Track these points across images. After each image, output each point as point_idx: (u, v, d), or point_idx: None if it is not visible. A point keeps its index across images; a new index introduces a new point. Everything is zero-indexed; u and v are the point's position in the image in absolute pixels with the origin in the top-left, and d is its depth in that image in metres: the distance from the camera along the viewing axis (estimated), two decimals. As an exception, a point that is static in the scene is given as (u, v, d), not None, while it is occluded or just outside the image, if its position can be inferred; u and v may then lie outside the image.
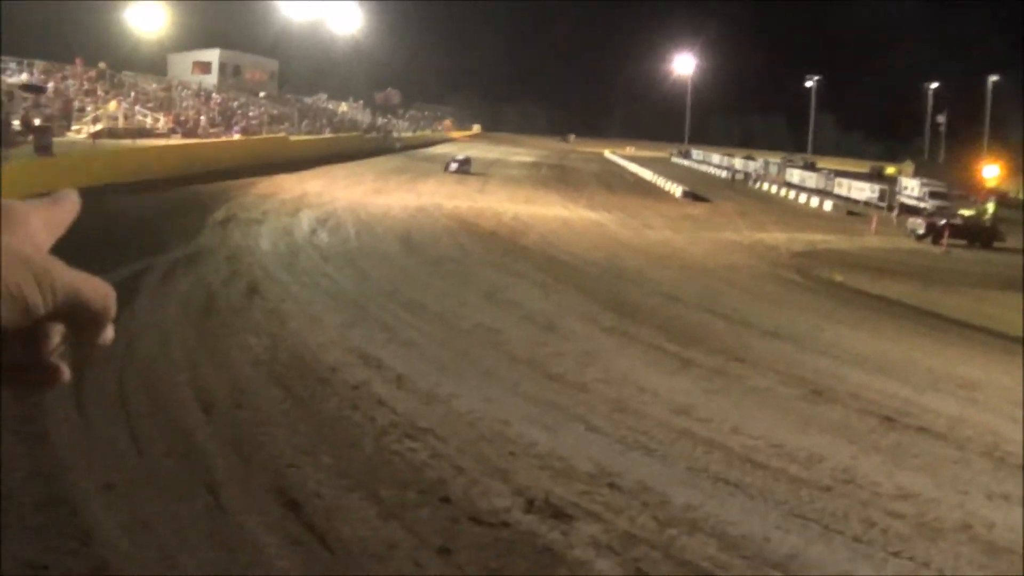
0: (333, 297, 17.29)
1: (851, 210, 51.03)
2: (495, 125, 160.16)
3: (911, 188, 55.17)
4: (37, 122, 36.02)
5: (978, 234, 38.89)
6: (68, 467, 8.75)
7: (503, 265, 22.94)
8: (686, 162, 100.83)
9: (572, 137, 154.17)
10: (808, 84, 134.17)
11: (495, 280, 20.56)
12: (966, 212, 42.53)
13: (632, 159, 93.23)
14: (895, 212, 48.25)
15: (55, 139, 33.21)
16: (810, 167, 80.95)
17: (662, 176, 63.79)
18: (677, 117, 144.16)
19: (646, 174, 69.37)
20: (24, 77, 45.15)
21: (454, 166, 54.14)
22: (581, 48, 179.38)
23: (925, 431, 11.96)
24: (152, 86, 60.03)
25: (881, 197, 54.34)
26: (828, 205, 52.41)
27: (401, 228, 27.86)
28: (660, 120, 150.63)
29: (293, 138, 58.05)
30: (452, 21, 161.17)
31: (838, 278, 25.77)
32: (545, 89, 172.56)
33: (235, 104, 66.97)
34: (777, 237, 35.31)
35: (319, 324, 14.91)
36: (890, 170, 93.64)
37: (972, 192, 59.62)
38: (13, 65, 46.23)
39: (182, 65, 77.03)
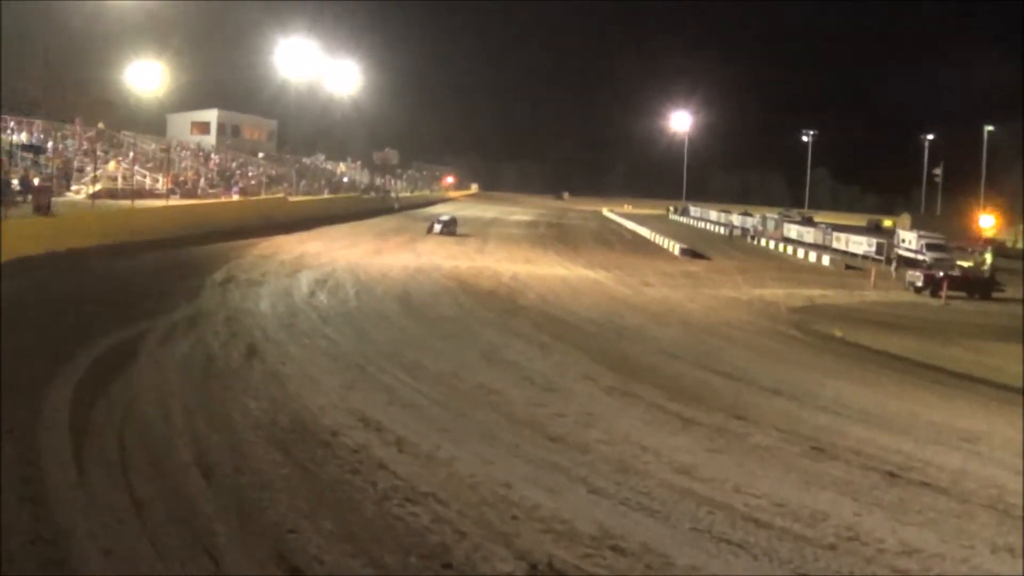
0: (333, 359, 17.32)
1: (849, 264, 51.25)
2: (493, 184, 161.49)
3: (908, 240, 55.40)
4: (36, 182, 36.34)
5: (977, 285, 38.93)
6: (68, 531, 8.74)
7: (502, 325, 22.99)
8: (684, 219, 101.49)
9: (566, 195, 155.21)
10: (804, 139, 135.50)
11: (494, 340, 20.60)
12: (964, 263, 42.66)
13: (630, 216, 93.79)
14: (893, 265, 48.41)
15: (54, 199, 33.43)
16: (807, 222, 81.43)
17: (660, 233, 64.14)
18: (674, 174, 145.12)
19: (644, 231, 69.74)
20: (24, 137, 45.55)
21: (438, 227, 51.79)
22: (578, 107, 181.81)
23: (928, 485, 11.95)
24: (151, 146, 60.53)
25: (879, 250, 54.59)
26: (826, 259, 52.64)
27: (400, 288, 27.97)
28: (658, 177, 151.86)
29: (292, 198, 58.51)
30: (449, 81, 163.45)
31: (838, 333, 25.79)
32: (542, 148, 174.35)
33: (234, 164, 67.54)
34: (776, 293, 35.42)
35: (319, 386, 14.93)
36: (887, 222, 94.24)
37: (969, 242, 59.96)
38: (13, 124, 46.64)
39: (181, 125, 77.88)
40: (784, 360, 21.35)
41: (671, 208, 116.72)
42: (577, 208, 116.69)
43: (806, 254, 56.46)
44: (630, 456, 12.32)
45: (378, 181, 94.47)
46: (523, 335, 21.60)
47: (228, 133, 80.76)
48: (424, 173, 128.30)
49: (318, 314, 22.32)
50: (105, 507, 9.33)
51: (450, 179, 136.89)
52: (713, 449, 12.99)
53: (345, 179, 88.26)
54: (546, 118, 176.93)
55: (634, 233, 71.75)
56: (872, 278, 42.01)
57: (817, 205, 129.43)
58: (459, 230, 54.46)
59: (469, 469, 11.24)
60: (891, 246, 54.80)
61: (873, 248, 55.56)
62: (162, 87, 69.29)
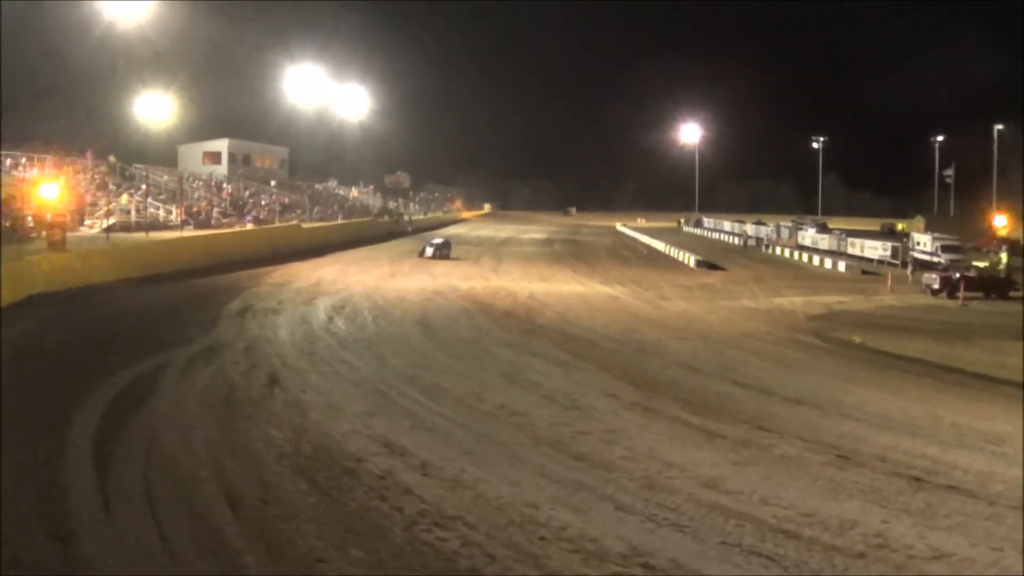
0: (354, 385, 17.36)
1: (865, 269, 51.03)
2: (506, 203, 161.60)
3: (923, 243, 55.16)
4: (49, 217, 36.55)
5: (993, 285, 38.73)
6: (96, 568, 8.80)
7: (521, 345, 23.00)
8: (698, 230, 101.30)
9: (573, 210, 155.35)
10: (814, 145, 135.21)
11: (514, 360, 20.61)
12: (980, 264, 42.42)
13: (643, 230, 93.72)
14: (909, 269, 48.14)
15: (68, 234, 33.63)
16: (822, 228, 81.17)
17: (675, 246, 64.07)
18: (687, 186, 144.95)
19: (659, 245, 69.69)
20: (35, 173, 45.94)
21: (430, 251, 48.72)
22: (588, 122, 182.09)
23: (955, 489, 11.91)
24: (163, 178, 61.00)
25: (894, 255, 54.33)
26: (842, 266, 52.42)
27: (418, 312, 28.02)
28: (669, 190, 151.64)
29: (305, 225, 58.69)
30: (458, 102, 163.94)
31: (857, 339, 25.71)
32: (554, 165, 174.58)
33: (246, 193, 67.93)
34: (794, 301, 35.32)
35: (341, 413, 14.96)
36: (901, 226, 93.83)
37: (984, 243, 59.60)
38: (24, 160, 47.05)
39: (192, 156, 78.45)
40: (805, 369, 21.30)
41: (683, 220, 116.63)
42: (590, 224, 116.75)
43: (821, 261, 56.23)
44: (655, 472, 12.30)
45: (391, 204, 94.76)
46: (543, 354, 21.60)
47: (240, 162, 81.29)
48: (436, 195, 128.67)
49: (337, 340, 22.38)
50: (132, 541, 9.38)
51: (457, 202, 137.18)
52: (738, 461, 12.96)
53: (358, 204, 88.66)
54: (556, 136, 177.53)
55: (649, 247, 71.70)
56: (889, 282, 41.86)
57: (830, 211, 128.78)
58: (465, 251, 54.51)
59: (495, 491, 11.24)
60: (906, 249, 54.57)
61: (888, 252, 55.32)
62: (172, 118, 69.76)
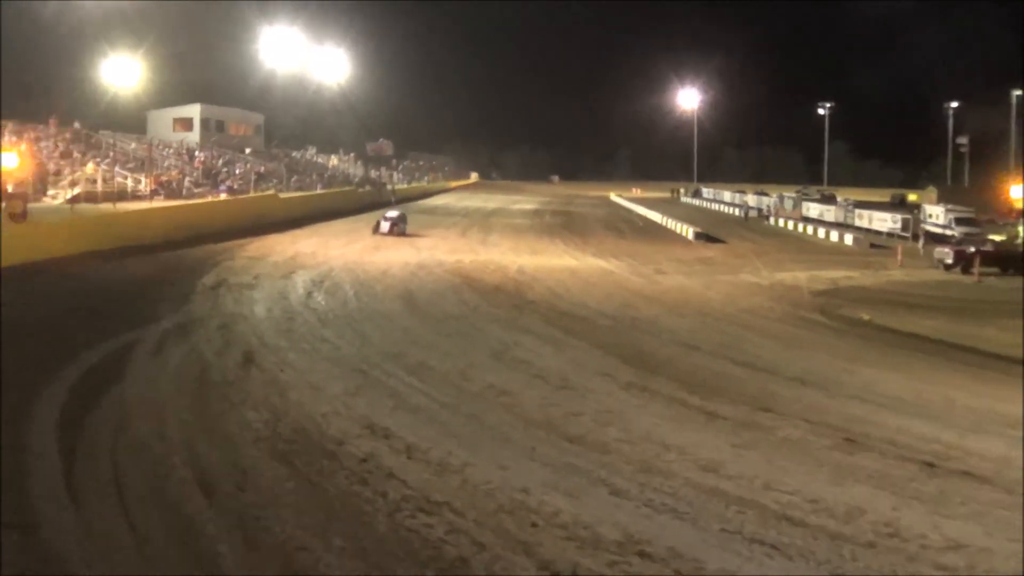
0: (334, 363, 17.32)
1: (874, 243, 51.15)
2: (494, 172, 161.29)
3: (936, 215, 55.29)
4: (10, 188, 36.27)
5: (1011, 260, 38.30)
6: (63, 560, 8.73)
7: (511, 321, 22.99)
8: (696, 201, 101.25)
9: (556, 178, 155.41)
10: (820, 111, 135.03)
11: (503, 337, 20.59)
12: (996, 237, 42.37)
13: (639, 201, 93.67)
14: (921, 242, 48.24)
15: (30, 205, 33.36)
16: (829, 199, 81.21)
17: (672, 218, 64.05)
18: (685, 154, 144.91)
19: (655, 216, 69.68)
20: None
21: (386, 226, 45.77)
22: (581, 88, 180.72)
23: (970, 475, 11.90)
24: (131, 146, 60.56)
25: (905, 227, 54.45)
26: (849, 239, 52.52)
27: (402, 286, 27.98)
28: (666, 159, 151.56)
29: (283, 195, 58.44)
30: (444, 66, 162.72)
31: (865, 317, 25.76)
32: (545, 133, 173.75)
33: (220, 162, 67.57)
34: (797, 276, 35.37)
35: (321, 393, 14.93)
36: (912, 197, 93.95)
37: (1000, 215, 59.74)
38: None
39: (162, 122, 77.76)
40: (809, 347, 21.34)
41: (682, 190, 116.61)
42: (583, 194, 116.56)
43: (827, 234, 56.31)
44: (652, 455, 12.30)
45: (373, 174, 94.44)
46: (533, 331, 21.59)
47: (212, 129, 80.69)
48: (421, 163, 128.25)
49: (316, 317, 22.34)
50: (100, 533, 9.31)
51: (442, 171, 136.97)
52: (739, 444, 12.97)
53: (339, 173, 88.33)
54: (547, 102, 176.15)
55: (645, 218, 71.68)
56: (899, 257, 41.96)
57: (837, 181, 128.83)
58: (452, 223, 54.20)
59: (484, 475, 11.23)
60: (917, 222, 54.68)
61: (898, 225, 55.45)
62: (140, 82, 69.05)
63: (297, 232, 44.40)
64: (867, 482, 11.52)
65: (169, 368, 16.34)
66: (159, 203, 45.12)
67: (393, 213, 48.08)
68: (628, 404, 15.09)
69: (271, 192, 58.73)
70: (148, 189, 48.68)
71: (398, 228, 45.79)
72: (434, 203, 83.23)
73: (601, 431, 13.35)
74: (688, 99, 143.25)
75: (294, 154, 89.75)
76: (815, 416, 14.52)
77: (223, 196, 53.92)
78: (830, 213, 65.35)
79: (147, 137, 67.42)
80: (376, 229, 45.82)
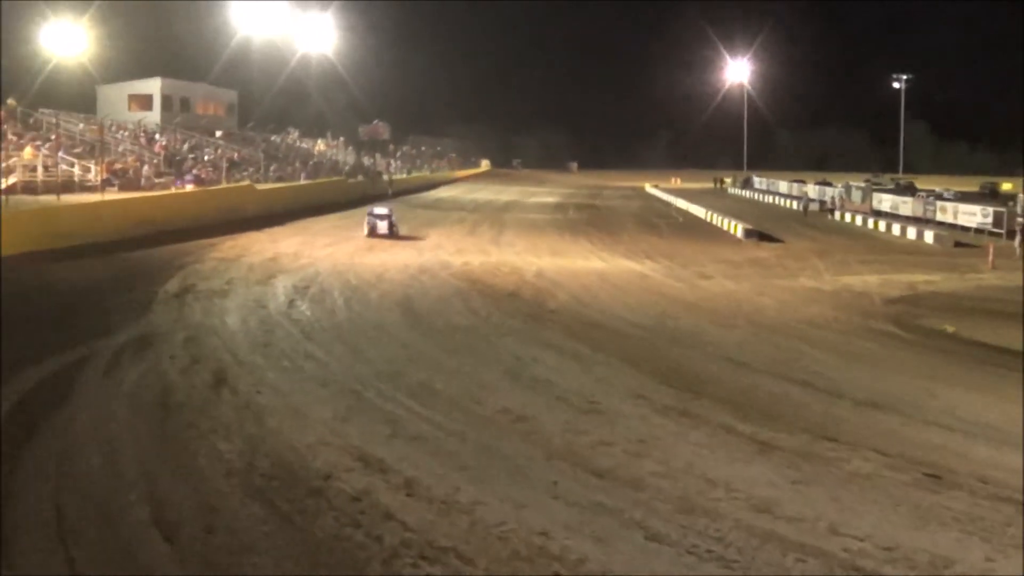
0: (321, 384, 17.31)
1: (959, 240, 50.93)
2: (509, 159, 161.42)
3: (1035, 208, 55.02)
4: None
5: None
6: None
7: (528, 334, 22.97)
8: (746, 193, 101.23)
9: (574, 166, 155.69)
10: (895, 85, 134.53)
11: (520, 353, 20.57)
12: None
13: (679, 192, 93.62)
14: (1017, 239, 47.92)
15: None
16: (905, 190, 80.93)
17: (718, 212, 63.97)
18: (733, 138, 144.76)
19: (698, 210, 69.62)
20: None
21: (384, 226, 44.63)
22: (610, 61, 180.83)
23: (1076, 519, 11.80)
24: (79, 127, 60.67)
25: (997, 222, 54.15)
26: (929, 236, 52.32)
27: (400, 293, 28.01)
28: (711, 144, 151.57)
29: (260, 186, 58.58)
30: (450, 36, 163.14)
31: (949, 329, 25.64)
32: (568, 113, 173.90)
33: (185, 147, 67.83)
34: (867, 281, 35.25)
35: (305, 420, 14.91)
36: (1006, 186, 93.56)
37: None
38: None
39: (115, 100, 77.70)
40: (882, 364, 21.23)
41: (728, 180, 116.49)
42: (613, 184, 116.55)
43: (903, 230, 56.15)
44: (695, 492, 12.24)
45: (366, 161, 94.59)
46: (555, 346, 21.57)
47: (176, 108, 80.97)
48: (423, 149, 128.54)
49: (300, 329, 22.35)
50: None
51: (453, 154, 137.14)
52: (799, 480, 12.90)
53: (326, 160, 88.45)
54: (570, 76, 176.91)
55: (685, 213, 71.65)
56: (990, 257, 41.72)
57: (914, 168, 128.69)
58: (459, 219, 53.98)
59: (497, 516, 11.19)
60: (1013, 216, 54.35)
61: (989, 219, 55.15)
62: (89, 52, 68.95)
63: (277, 229, 44.49)
64: (953, 526, 11.42)
65: (125, 390, 16.33)
66: (113, 195, 45.15)
67: (382, 209, 46.81)
68: (666, 431, 15.02)
69: (246, 183, 58.91)
70: (99, 179, 48.67)
71: (394, 230, 44.88)
72: (438, 195, 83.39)
73: (635, 463, 13.30)
74: (737, 72, 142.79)
75: (273, 138, 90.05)
76: (890, 446, 14.42)
77: (189, 187, 54.02)
78: (906, 206, 65.14)
79: (98, 117, 67.53)
80: (372, 231, 44.36)
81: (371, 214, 45.61)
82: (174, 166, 60.16)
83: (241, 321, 22.96)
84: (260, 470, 12.56)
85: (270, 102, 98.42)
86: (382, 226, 44.52)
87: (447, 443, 13.99)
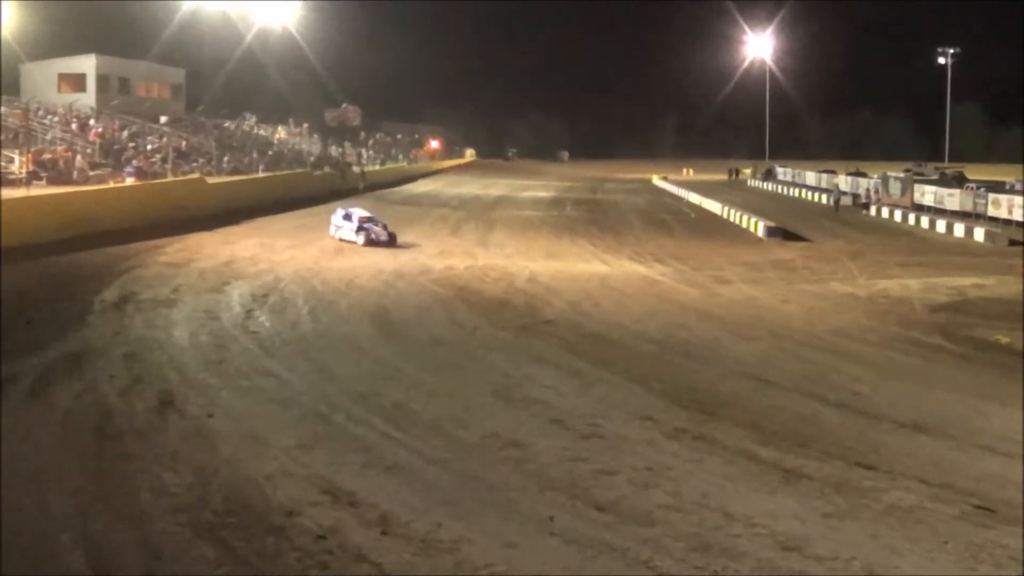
0: (283, 406, 17.30)
1: (1015, 239, 50.92)
2: (498, 148, 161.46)
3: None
4: None
5: None
6: None
7: (520, 348, 22.99)
8: (768, 185, 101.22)
9: (565, 155, 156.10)
10: (941, 61, 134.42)
11: (510, 370, 20.60)
12: None
13: (691, 185, 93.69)
14: (1082, 238, 48.04)
15: None
16: (953, 180, 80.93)
17: (736, 207, 63.99)
18: (752, 123, 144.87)
19: (712, 205, 69.66)
20: None
21: (380, 232, 42.55)
22: (614, 37, 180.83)
23: None
24: (-1, 110, 60.47)
25: (1059, 217, 54.19)
26: (980, 233, 52.33)
27: (374, 302, 28.02)
28: (728, 129, 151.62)
29: (212, 180, 58.42)
30: (431, 9, 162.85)
31: (1003, 339, 25.67)
32: (565, 97, 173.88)
33: (125, 134, 67.61)
34: (908, 285, 35.29)
35: (265, 447, 14.90)
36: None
37: None
38: None
39: (43, 79, 76.74)
40: (926, 381, 21.25)
41: (748, 171, 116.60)
42: (616, 176, 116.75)
43: (949, 227, 56.14)
44: (711, 527, 12.26)
45: (334, 151, 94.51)
46: (550, 361, 21.59)
47: (114, 89, 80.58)
48: (399, 137, 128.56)
49: (258, 343, 22.35)
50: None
51: (435, 144, 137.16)
52: (830, 514, 12.92)
53: (288, 150, 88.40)
54: (566, 55, 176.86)
55: (699, 208, 71.71)
56: (1049, 257, 41.76)
57: (962, 156, 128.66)
58: (441, 216, 53.74)
59: (484, 556, 11.20)
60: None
61: (1051, 214, 55.18)
62: (11, 25, 68.56)
63: (232, 230, 44.43)
64: (1009, 566, 11.46)
65: (55, 415, 16.29)
66: (40, 190, 44.98)
67: (362, 212, 44.68)
68: (678, 458, 15.05)
69: (196, 176, 58.77)
70: (24, 171, 48.49)
71: (380, 237, 42.14)
72: (417, 190, 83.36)
73: (642, 495, 13.33)
74: (758, 47, 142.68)
75: (227, 124, 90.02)
76: (935, 475, 14.46)
77: (130, 181, 53.82)
78: (953, 199, 65.03)
79: (22, 100, 67.17)
80: (370, 240, 41.83)
81: (364, 220, 43.05)
82: (112, 156, 60.01)
83: (190, 335, 22.93)
84: (212, 506, 12.54)
85: (223, 83, 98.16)
86: (378, 232, 42.41)
87: (427, 473, 14.00)
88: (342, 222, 43.75)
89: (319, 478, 13.53)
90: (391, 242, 42.25)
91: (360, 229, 42.67)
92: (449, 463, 14.42)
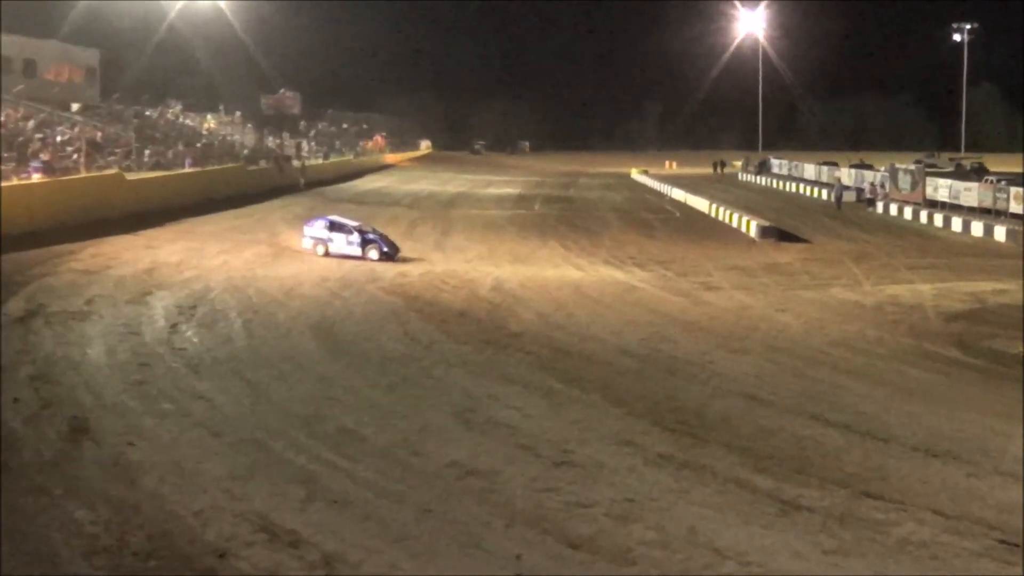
0: (213, 433, 17.25)
1: (1037, 238, 51.26)
2: (457, 138, 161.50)
3: None
4: None
5: None
6: None
7: (483, 365, 23.01)
8: (761, 179, 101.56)
9: (526, 146, 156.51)
10: (956, 38, 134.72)
11: (472, 389, 20.62)
12: None
13: (674, 180, 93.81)
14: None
15: None
16: (972, 172, 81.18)
17: (725, 204, 64.17)
18: (743, 110, 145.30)
19: (699, 202, 69.80)
20: None
21: (380, 246, 40.30)
22: (586, 14, 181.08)
23: None
24: None
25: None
26: (1000, 232, 52.63)
27: (317, 314, 27.98)
28: (716, 117, 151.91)
29: (131, 176, 58.16)
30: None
31: (1026, 352, 25.84)
32: (535, 82, 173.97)
33: (30, 124, 67.22)
34: (920, 290, 35.48)
35: (193, 479, 14.86)
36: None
37: None
38: None
39: (-75, 59, 76.47)
40: (940, 399, 21.35)
41: (738, 164, 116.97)
42: (591, 170, 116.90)
43: (966, 225, 56.40)
44: (699, 566, 12.31)
45: (271, 143, 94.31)
46: (517, 379, 21.63)
47: (16, 71, 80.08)
48: (345, 127, 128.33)
49: (185, 361, 22.28)
50: None
51: (384, 134, 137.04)
52: (834, 549, 12.98)
53: (219, 142, 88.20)
54: (535, 34, 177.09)
55: (684, 206, 71.85)
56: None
57: (980, 146, 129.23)
58: (393, 217, 53.87)
59: (444, 601, 11.19)
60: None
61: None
62: None
63: (155, 232, 44.24)
64: (1037, 609, 11.53)
65: (-46, 443, 16.26)
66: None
67: (350, 220, 42.92)
68: (662, 488, 15.09)
69: (113, 171, 58.49)
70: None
71: (383, 250, 40.16)
72: (365, 187, 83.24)
73: (621, 530, 13.36)
74: (750, 23, 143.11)
75: (149, 113, 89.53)
76: (951, 505, 14.54)
77: (36, 177, 53.47)
78: (970, 194, 65.25)
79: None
80: (383, 254, 39.95)
81: (364, 231, 41.16)
82: (15, 149, 59.63)
83: (107, 352, 22.83)
84: (133, 547, 12.50)
85: (144, 66, 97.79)
86: (374, 241, 40.30)
87: (379, 507, 13.99)
88: (329, 234, 41.10)
89: (255, 514, 13.51)
90: (390, 255, 40.01)
91: (368, 242, 40.36)
92: (404, 495, 14.42)
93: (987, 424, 19.16)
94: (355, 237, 40.75)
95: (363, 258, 39.20)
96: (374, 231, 41.85)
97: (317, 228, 41.79)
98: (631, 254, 44.55)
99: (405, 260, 38.93)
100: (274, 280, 33.17)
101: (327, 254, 40.03)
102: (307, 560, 12.14)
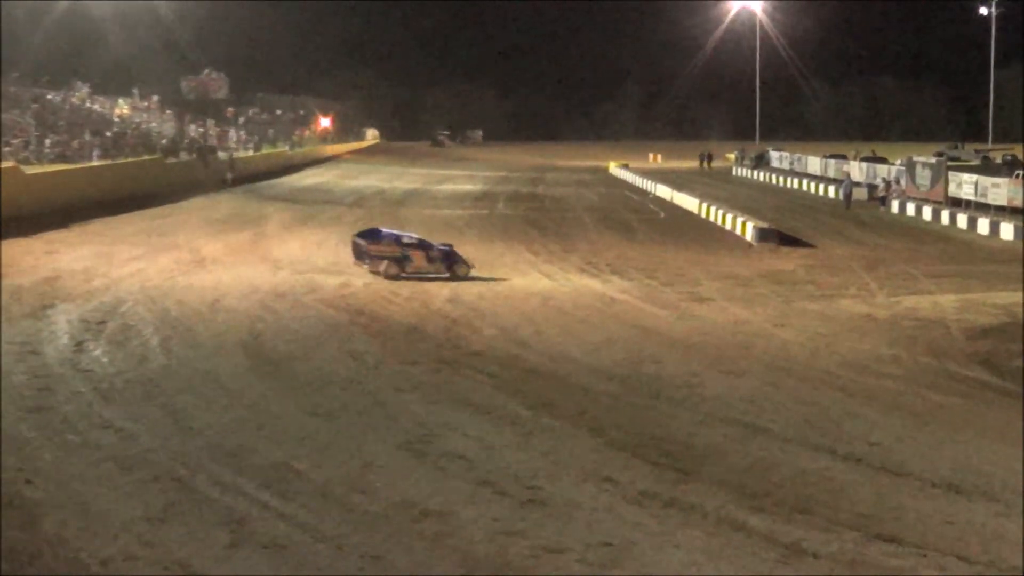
0: (125, 468, 17.16)
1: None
2: (409, 127, 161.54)
3: None
4: None
5: None
6: None
7: (438, 389, 22.99)
8: (759, 175, 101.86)
9: (479, 135, 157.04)
10: (982, 11, 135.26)
11: (424, 417, 20.59)
12: None
13: (659, 176, 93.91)
14: None
15: None
16: (1000, 166, 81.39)
17: (718, 203, 64.31)
18: (738, 97, 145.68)
19: (687, 201, 69.93)
20: None
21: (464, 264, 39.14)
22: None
23: None
24: None
25: None
26: (1034, 235, 52.83)
27: (246, 329, 27.97)
28: (707, 104, 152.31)
29: (30, 170, 58.07)
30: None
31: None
32: (498, 65, 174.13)
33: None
34: (941, 303, 35.59)
35: (102, 522, 14.78)
36: None
37: None
38: None
39: None
40: (965, 427, 21.36)
41: (732, 157, 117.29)
42: (563, 164, 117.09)
43: (994, 227, 56.51)
44: (689, 621, 12.32)
45: (193, 131, 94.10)
46: (478, 405, 21.63)
47: None
48: (279, 113, 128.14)
49: (92, 385, 22.21)
50: None
51: (325, 122, 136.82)
52: (843, 601, 13.01)
53: (133, 130, 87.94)
54: (503, 13, 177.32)
55: (669, 205, 71.99)
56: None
57: (1010, 136, 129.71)
58: (334, 216, 53.91)
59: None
60: None
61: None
62: None
63: (58, 235, 44.15)
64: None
65: None
66: None
67: (389, 230, 41.03)
68: (643, 530, 15.09)
69: (9, 164, 58.36)
70: None
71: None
72: (302, 182, 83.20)
73: (598, 578, 13.34)
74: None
75: (50, 96, 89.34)
76: (977, 549, 14.57)
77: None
78: (999, 191, 65.43)
79: None
80: (468, 268, 39.12)
81: (445, 249, 39.39)
82: None
83: (1, 374, 22.77)
84: (32, 600, 12.45)
85: (45, 42, 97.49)
86: (458, 258, 39.03)
87: (317, 553, 13.95)
88: (404, 251, 38.28)
89: (173, 562, 13.45)
90: (449, 273, 38.33)
91: (453, 259, 38.80)
92: (345, 539, 14.36)
93: (1017, 456, 19.12)
94: (436, 253, 38.79)
95: (450, 278, 37.57)
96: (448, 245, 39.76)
97: (386, 244, 38.78)
98: (609, 260, 44.64)
99: (338, 267, 38.82)
100: (196, 291, 33.09)
101: (400, 276, 37.41)
102: (234, 616, 12.11)
